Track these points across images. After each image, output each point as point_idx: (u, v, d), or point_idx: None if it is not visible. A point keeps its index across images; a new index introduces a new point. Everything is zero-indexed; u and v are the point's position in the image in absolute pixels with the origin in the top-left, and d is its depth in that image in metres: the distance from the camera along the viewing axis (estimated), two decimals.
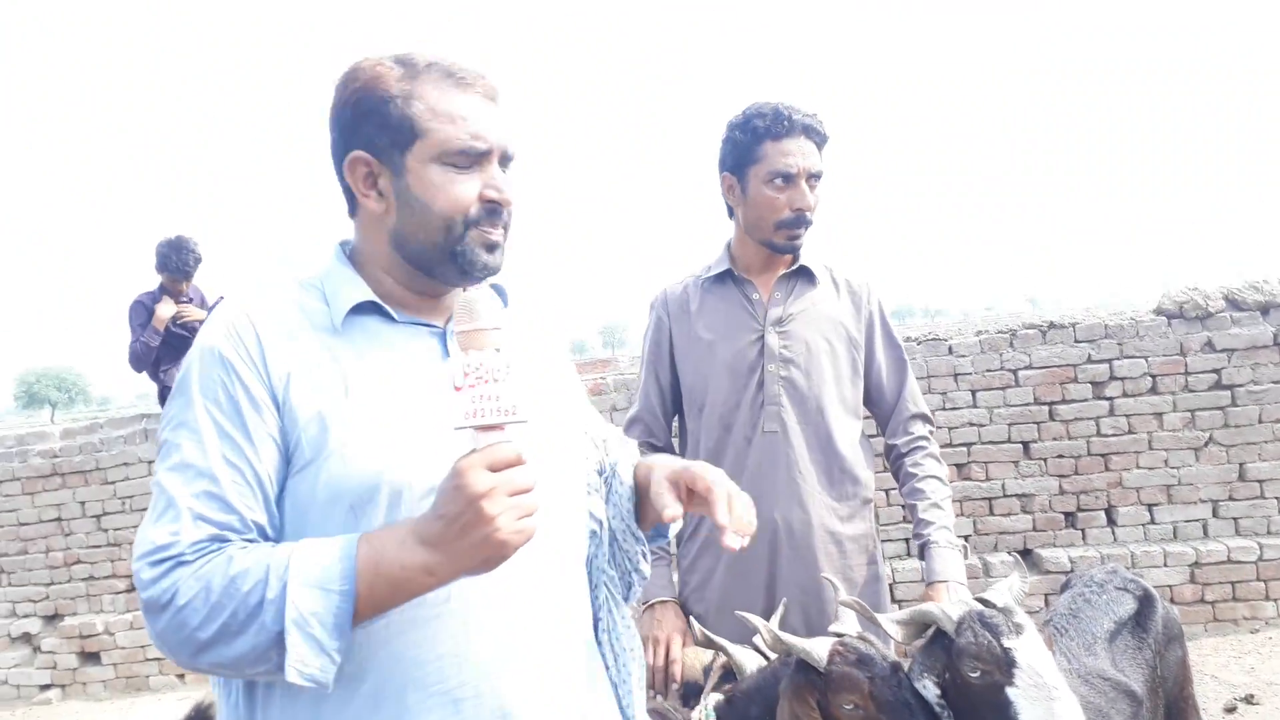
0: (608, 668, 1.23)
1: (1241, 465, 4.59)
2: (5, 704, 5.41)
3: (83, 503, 5.50)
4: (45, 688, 5.40)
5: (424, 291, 1.16)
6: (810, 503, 1.93)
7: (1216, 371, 4.59)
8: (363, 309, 1.11)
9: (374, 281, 1.14)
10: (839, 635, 1.59)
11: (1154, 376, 4.62)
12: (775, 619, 1.73)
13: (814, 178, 1.92)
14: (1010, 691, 1.40)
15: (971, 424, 4.74)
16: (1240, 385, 4.58)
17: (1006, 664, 1.41)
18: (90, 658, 5.40)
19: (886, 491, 4.53)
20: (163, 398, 5.19)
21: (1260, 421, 4.57)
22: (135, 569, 0.97)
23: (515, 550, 0.94)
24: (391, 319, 1.13)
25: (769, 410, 1.94)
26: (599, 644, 1.24)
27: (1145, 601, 2.23)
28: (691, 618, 1.88)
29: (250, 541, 0.99)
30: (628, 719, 1.23)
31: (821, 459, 1.95)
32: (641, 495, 1.25)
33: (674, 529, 1.20)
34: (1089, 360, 4.67)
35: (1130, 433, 4.64)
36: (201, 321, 4.88)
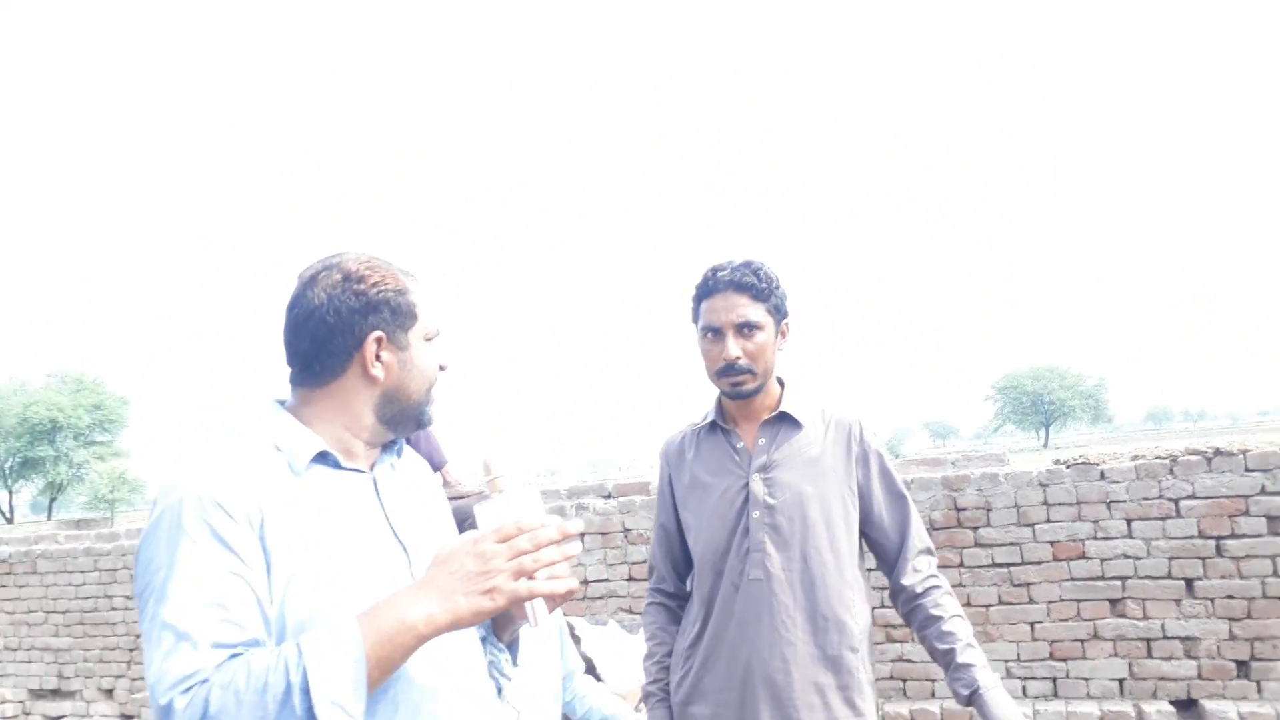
0: None
1: None
2: None
3: None
4: None
5: (376, 443, 1.37)
6: (790, 652, 1.93)
7: None
8: (315, 458, 1.28)
9: (323, 435, 1.31)
10: None
11: None
12: None
13: (745, 327, 1.95)
14: None
15: (1126, 555, 4.40)
16: None
17: None
18: None
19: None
20: None
21: None
22: (164, 704, 1.03)
23: (505, 603, 1.13)
24: (338, 466, 1.31)
25: (754, 557, 1.96)
26: None
27: None
28: None
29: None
30: None
31: (806, 606, 1.95)
32: None
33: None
34: (1263, 492, 4.24)
35: None
36: None
